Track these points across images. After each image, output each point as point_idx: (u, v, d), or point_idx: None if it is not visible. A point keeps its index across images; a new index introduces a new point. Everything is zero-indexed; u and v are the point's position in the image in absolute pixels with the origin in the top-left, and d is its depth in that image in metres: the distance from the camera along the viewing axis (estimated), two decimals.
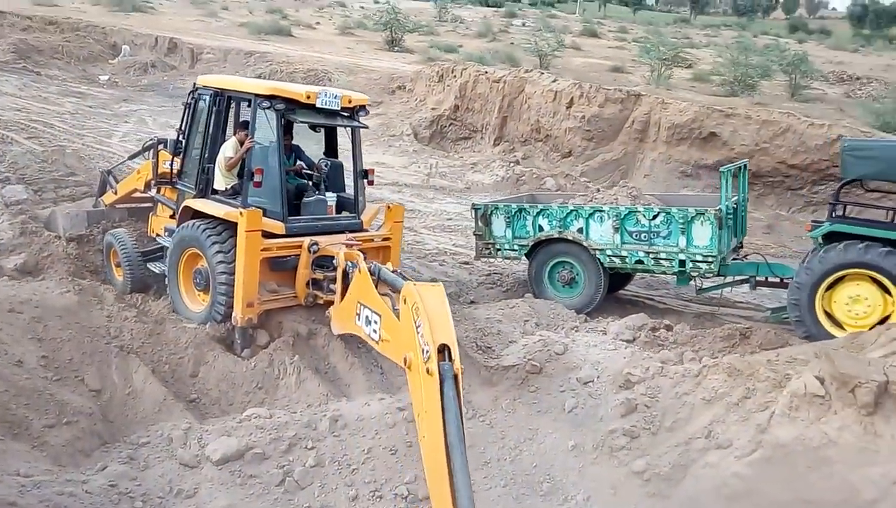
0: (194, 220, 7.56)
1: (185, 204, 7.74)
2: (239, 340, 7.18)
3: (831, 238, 7.44)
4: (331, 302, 7.31)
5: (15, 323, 6.39)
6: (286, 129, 7.62)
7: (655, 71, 32.40)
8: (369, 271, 6.03)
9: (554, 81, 18.31)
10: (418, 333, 4.42)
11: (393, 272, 6.00)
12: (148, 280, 8.79)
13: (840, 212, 7.81)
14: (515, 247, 9.03)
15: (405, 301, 4.79)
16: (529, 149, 18.79)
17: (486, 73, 20.46)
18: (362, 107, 7.92)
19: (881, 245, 7.11)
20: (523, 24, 68.23)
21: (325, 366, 7.24)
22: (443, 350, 4.20)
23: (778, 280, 8.31)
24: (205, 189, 7.71)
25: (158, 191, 9.07)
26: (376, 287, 5.90)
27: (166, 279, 8.04)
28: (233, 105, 7.76)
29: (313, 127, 8.19)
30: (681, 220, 7.94)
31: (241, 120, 7.74)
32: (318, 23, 51.64)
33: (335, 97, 7.52)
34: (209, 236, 7.30)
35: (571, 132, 17.81)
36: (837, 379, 4.87)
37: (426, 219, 12.98)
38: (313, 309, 7.58)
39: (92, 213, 9.90)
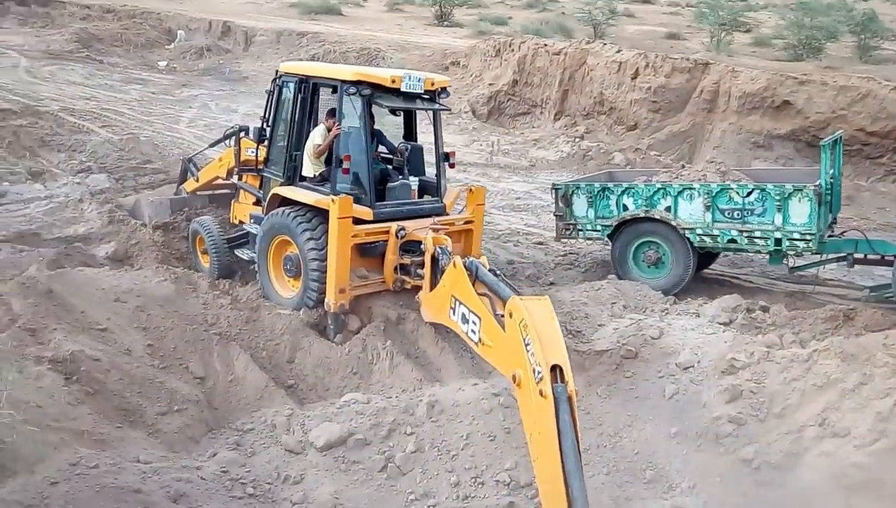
0: (284, 207, 7.64)
1: (273, 191, 7.82)
2: (332, 326, 7.27)
3: None
4: (419, 287, 7.34)
5: (121, 313, 6.58)
6: (370, 115, 7.60)
7: (715, 37, 31.40)
8: (466, 267, 5.88)
9: (618, 52, 17.85)
10: (528, 352, 4.31)
11: (492, 273, 5.78)
12: (234, 266, 8.98)
13: None
14: (598, 228, 8.86)
15: (511, 315, 4.68)
16: (592, 123, 18.42)
17: (546, 45, 20.08)
18: (443, 90, 7.85)
19: None
20: None
21: (415, 351, 7.28)
22: (555, 369, 4.10)
23: (879, 257, 7.98)
24: (293, 176, 7.77)
25: (240, 179, 9.21)
26: (473, 285, 5.79)
27: (255, 265, 8.16)
28: (318, 91, 7.75)
29: (394, 111, 8.16)
30: (777, 197, 7.66)
31: (328, 107, 7.73)
32: (365, 0, 51.61)
33: (419, 80, 7.46)
34: (300, 223, 7.36)
35: (637, 104, 17.38)
36: None
37: (494, 199, 12.87)
38: (401, 294, 7.62)
39: (175, 201, 10.12)
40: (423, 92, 7.55)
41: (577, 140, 16.42)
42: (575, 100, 18.94)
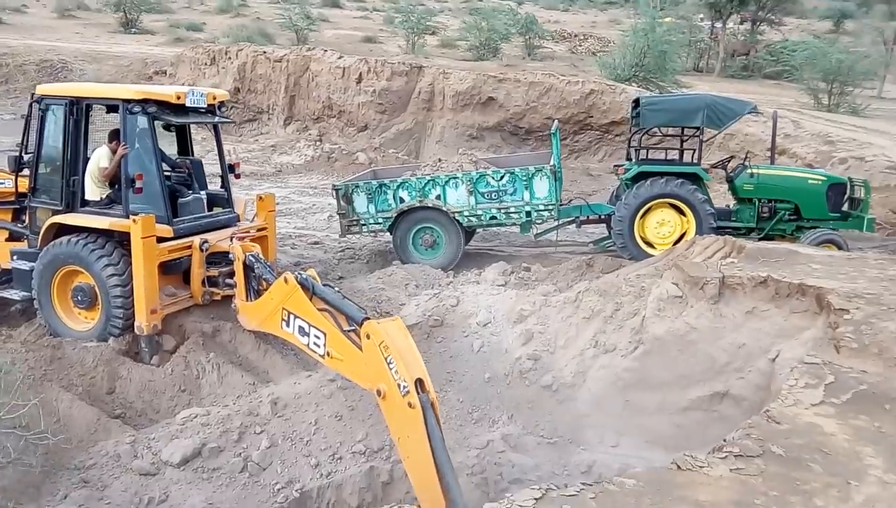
0: (66, 236, 7.21)
1: (51, 221, 7.31)
2: (146, 348, 7.13)
3: (637, 177, 9.31)
4: (228, 297, 7.52)
5: None
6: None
7: (409, 41, 34.21)
8: (300, 284, 6.10)
9: (340, 58, 18.86)
10: (391, 369, 4.95)
11: (334, 290, 6.10)
12: None
13: (645, 156, 9.74)
14: (380, 221, 9.76)
15: (369, 337, 5.20)
16: (323, 126, 19.24)
17: (265, 53, 20.35)
18: (222, 103, 8.04)
19: (675, 178, 9.12)
20: None
21: (238, 359, 7.47)
22: (417, 382, 4.85)
23: (597, 217, 10.10)
24: (72, 202, 7.35)
25: None
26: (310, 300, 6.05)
27: (28, 304, 7.57)
28: (91, 112, 7.42)
29: (167, 127, 8.11)
30: (524, 178, 9.29)
31: (94, 128, 7.44)
32: (24, 5, 45.74)
33: (202, 95, 7.58)
34: (93, 250, 7.06)
35: (364, 106, 18.60)
36: (689, 282, 6.48)
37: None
38: (210, 307, 7.72)
39: None
40: (206, 106, 7.68)
41: (317, 143, 17.10)
42: (303, 105, 19.58)
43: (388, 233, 10.28)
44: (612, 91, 19.00)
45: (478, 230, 10.74)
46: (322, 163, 16.33)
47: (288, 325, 6.34)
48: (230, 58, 21.04)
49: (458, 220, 9.57)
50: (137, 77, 27.08)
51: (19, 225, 8.15)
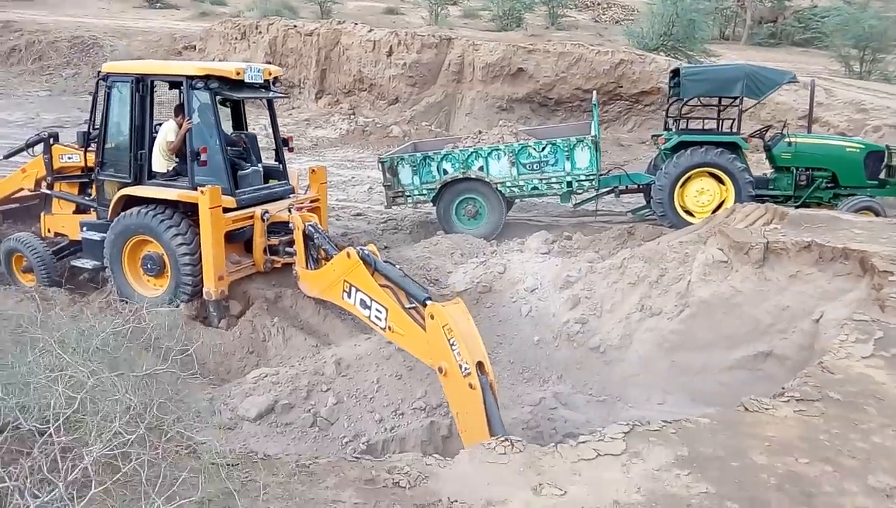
0: (138, 207, 7.61)
1: (121, 193, 7.70)
2: (215, 313, 7.54)
3: (678, 147, 9.52)
4: (288, 265, 7.92)
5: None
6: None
7: (433, 12, 34.14)
8: (364, 261, 6.43)
9: (370, 31, 19.03)
10: (454, 351, 5.38)
11: (395, 268, 6.48)
12: (59, 279, 8.60)
13: (684, 126, 9.93)
14: (424, 192, 10.08)
15: (432, 317, 5.59)
16: (355, 100, 19.48)
17: (296, 27, 20.54)
18: (276, 79, 8.35)
19: (714, 147, 9.33)
20: None
21: (300, 323, 7.87)
22: (478, 364, 5.29)
23: (636, 186, 10.34)
24: (139, 175, 7.73)
25: (51, 188, 8.76)
26: (372, 275, 6.40)
27: (100, 273, 8.01)
28: (156, 88, 7.76)
29: (225, 102, 8.44)
30: (565, 148, 9.54)
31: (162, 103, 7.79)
32: None
33: (258, 71, 7.89)
34: (162, 221, 7.44)
35: (395, 79, 18.80)
36: (734, 247, 6.75)
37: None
38: (271, 275, 8.10)
39: None
40: (262, 81, 8.00)
41: (351, 117, 17.36)
42: (334, 78, 19.81)
43: (428, 205, 10.59)
44: (642, 61, 19.01)
45: (517, 200, 11.01)
46: (357, 136, 16.61)
47: (349, 297, 6.72)
48: (261, 32, 21.26)
49: (500, 191, 9.85)
50: (167, 52, 27.42)
51: (86, 198, 8.57)
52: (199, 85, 7.41)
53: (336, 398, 6.73)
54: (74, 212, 8.71)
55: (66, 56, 27.27)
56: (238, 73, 7.57)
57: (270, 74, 8.12)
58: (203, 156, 7.44)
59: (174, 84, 7.78)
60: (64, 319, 6.96)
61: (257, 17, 25.97)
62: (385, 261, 6.74)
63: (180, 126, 7.58)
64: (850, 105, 16.59)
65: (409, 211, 11.52)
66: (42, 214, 8.92)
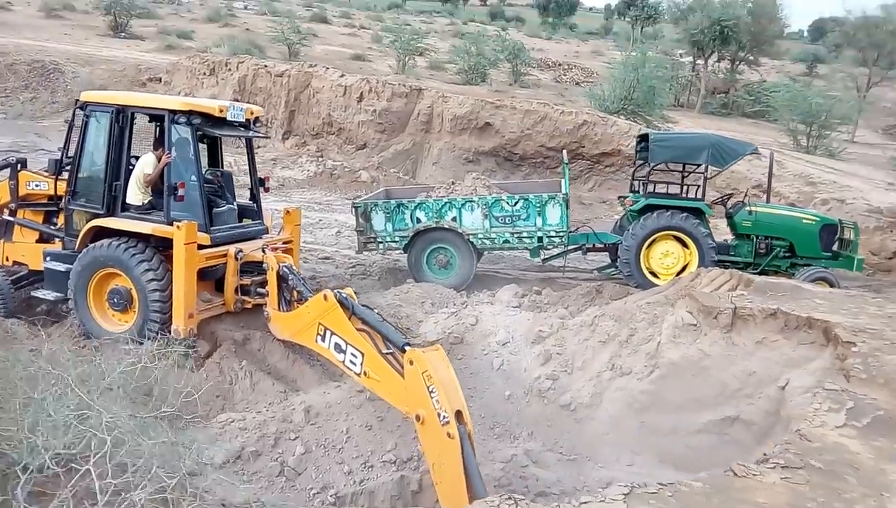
0: (108, 240, 7.43)
1: (92, 223, 7.52)
2: (181, 353, 7.34)
3: (644, 210, 9.84)
4: (258, 306, 7.81)
5: None
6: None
7: (400, 61, 34.75)
8: (341, 303, 6.39)
9: (342, 77, 19.25)
10: (433, 398, 5.31)
11: (373, 312, 6.41)
12: (15, 310, 8.29)
13: (651, 190, 10.28)
14: (396, 239, 10.12)
15: (412, 363, 5.53)
16: (322, 142, 19.55)
17: (267, 66, 20.63)
18: (257, 119, 8.36)
19: (680, 211, 9.67)
20: (245, 7, 66.73)
21: (267, 367, 7.72)
22: (457, 413, 5.25)
23: (603, 245, 10.60)
24: (112, 207, 7.58)
25: (14, 215, 8.52)
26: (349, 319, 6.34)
27: (65, 304, 7.76)
28: (136, 120, 7.68)
29: (202, 139, 8.39)
30: (537, 204, 9.76)
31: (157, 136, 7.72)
32: (9, 2, 45.38)
33: (241, 110, 7.91)
34: (133, 254, 7.29)
35: (364, 125, 18.98)
36: (703, 311, 6.95)
37: None
38: (240, 315, 7.99)
39: None
40: (244, 120, 8.00)
41: (319, 159, 17.39)
42: (303, 120, 19.88)
43: (397, 252, 10.62)
44: (604, 123, 19.67)
45: (485, 252, 11.14)
46: (325, 179, 16.63)
47: (323, 340, 6.63)
48: (230, 69, 21.27)
49: (472, 242, 9.97)
50: (131, 83, 27.13)
51: (52, 227, 8.34)
52: (182, 120, 7.38)
53: (304, 447, 6.59)
54: (37, 241, 8.47)
55: (25, 79, 26.70)
56: (221, 111, 7.57)
57: (252, 114, 8.14)
58: (180, 191, 7.37)
59: (155, 117, 7.71)
60: (68, 355, 6.73)
61: (226, 55, 26.01)
62: (363, 305, 6.71)
63: (159, 159, 7.49)
64: (800, 177, 17.44)
65: (378, 257, 11.53)
66: (1, 241, 8.63)
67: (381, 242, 10.23)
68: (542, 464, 6.90)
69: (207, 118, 7.54)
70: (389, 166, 18.72)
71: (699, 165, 10.15)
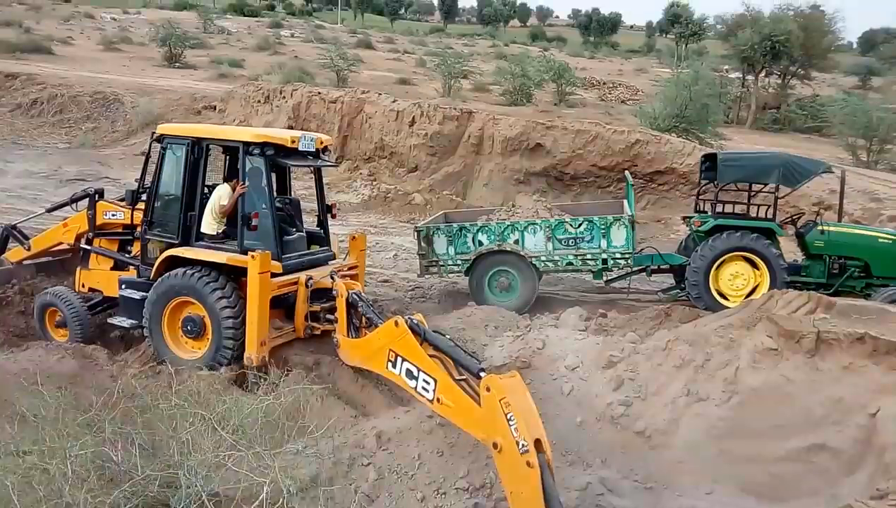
0: (182, 269, 7.60)
1: (168, 253, 7.71)
2: (254, 379, 7.44)
3: (713, 230, 9.66)
4: (327, 332, 7.88)
5: (43, 398, 6.14)
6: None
7: (446, 84, 35.07)
8: (412, 330, 6.37)
9: (394, 102, 19.47)
10: (511, 426, 5.21)
11: (445, 338, 6.37)
12: (92, 336, 8.53)
13: (720, 210, 10.10)
14: (458, 263, 10.14)
15: (488, 389, 5.44)
16: (374, 166, 19.76)
17: (320, 93, 21.00)
18: (326, 148, 8.49)
19: (750, 232, 9.46)
20: (292, 35, 68.42)
21: (336, 391, 7.76)
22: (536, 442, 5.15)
23: (668, 266, 10.43)
24: (187, 237, 7.76)
25: (91, 243, 8.80)
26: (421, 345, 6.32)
27: (137, 331, 7.96)
28: (210, 152, 7.88)
29: (275, 168, 8.54)
30: (602, 226, 9.67)
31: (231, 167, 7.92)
32: (70, 37, 47.41)
33: (311, 140, 8.04)
34: (207, 283, 7.44)
35: (416, 148, 19.12)
36: (784, 335, 6.74)
37: None
38: (309, 341, 8.06)
39: (1, 273, 9.15)
40: (314, 150, 8.13)
41: (373, 183, 17.57)
42: (356, 145, 20.14)
43: (453, 275, 10.60)
44: (657, 141, 19.44)
45: (544, 275, 11.06)
46: (379, 202, 16.79)
47: (394, 367, 6.62)
48: (284, 97, 21.72)
49: (534, 265, 9.91)
50: (187, 111, 27.93)
51: (126, 255, 8.58)
52: (255, 151, 7.53)
53: (377, 473, 6.57)
54: (112, 269, 8.71)
55: (87, 110, 27.73)
56: (293, 141, 7.72)
57: (322, 143, 8.27)
58: (254, 221, 7.50)
59: (229, 149, 7.90)
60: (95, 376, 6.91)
61: (279, 82, 26.61)
62: (434, 331, 6.69)
63: (233, 190, 7.65)
64: (864, 194, 16.92)
65: (437, 280, 11.54)
66: (78, 269, 8.91)
67: (442, 266, 10.25)
68: (618, 492, 6.74)
69: (280, 149, 7.68)
70: (441, 188, 18.81)
71: (769, 185, 9.93)
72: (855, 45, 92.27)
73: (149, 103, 27.92)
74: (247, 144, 7.54)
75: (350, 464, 6.59)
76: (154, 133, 8.04)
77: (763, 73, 35.79)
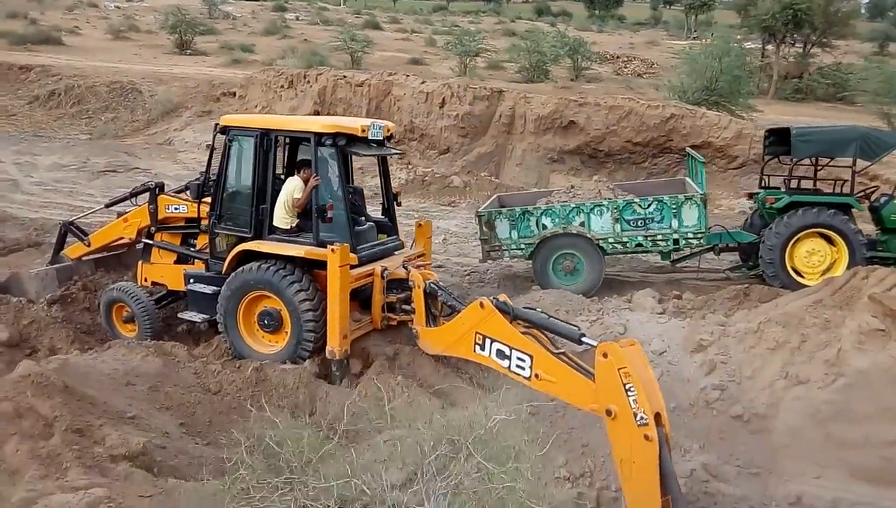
0: (257, 263, 7.39)
1: (240, 247, 7.50)
2: (337, 372, 7.27)
3: (788, 207, 9.39)
4: (403, 322, 7.68)
5: (137, 396, 5.98)
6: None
7: (462, 63, 34.58)
8: (499, 309, 6.16)
9: (423, 83, 19.13)
10: (629, 396, 4.91)
11: (536, 311, 6.17)
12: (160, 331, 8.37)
13: (794, 186, 9.82)
14: (522, 247, 9.90)
15: (605, 356, 5.11)
16: (404, 149, 19.40)
17: (346, 77, 20.66)
18: (391, 135, 8.23)
19: (826, 208, 9.19)
20: (297, 18, 67.65)
21: (418, 381, 7.58)
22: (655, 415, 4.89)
23: (735, 244, 10.17)
24: (260, 230, 7.54)
25: (152, 238, 8.60)
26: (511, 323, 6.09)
27: (213, 326, 7.77)
28: (279, 143, 7.62)
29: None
30: (673, 206, 9.40)
31: (300, 158, 7.69)
32: (77, 27, 46.92)
33: (380, 128, 7.79)
34: (285, 277, 7.23)
35: (447, 130, 18.82)
36: (891, 315, 6.51)
37: None
38: (386, 332, 7.87)
39: (61, 270, 8.98)
40: (382, 138, 7.87)
41: (409, 167, 17.30)
42: None
43: (511, 259, 10.37)
44: (693, 115, 19.08)
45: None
46: (417, 186, 16.52)
47: (483, 349, 6.38)
48: (309, 82, 21.37)
49: (601, 247, 9.66)
50: (206, 98, 27.60)
51: (191, 249, 8.38)
52: (329, 141, 7.28)
53: (475, 466, 6.40)
54: (175, 262, 8.52)
55: (106, 100, 27.43)
56: (363, 130, 7.46)
57: (388, 131, 8.02)
58: (329, 213, 7.28)
59: (299, 139, 7.65)
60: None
61: (296, 67, 26.22)
62: (526, 307, 6.47)
63: (305, 182, 7.41)
64: None
65: (492, 264, 11.31)
66: (140, 263, 8.72)
67: (506, 250, 10.02)
68: (723, 478, 6.56)
69: (351, 138, 7.43)
70: (473, 169, 18.53)
71: (846, 159, 9.61)
72: (863, 10, 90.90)
73: (166, 91, 27.60)
74: (319, 135, 7.28)
75: (446, 456, 6.41)
76: (217, 124, 7.78)
77: (783, 43, 35.16)
